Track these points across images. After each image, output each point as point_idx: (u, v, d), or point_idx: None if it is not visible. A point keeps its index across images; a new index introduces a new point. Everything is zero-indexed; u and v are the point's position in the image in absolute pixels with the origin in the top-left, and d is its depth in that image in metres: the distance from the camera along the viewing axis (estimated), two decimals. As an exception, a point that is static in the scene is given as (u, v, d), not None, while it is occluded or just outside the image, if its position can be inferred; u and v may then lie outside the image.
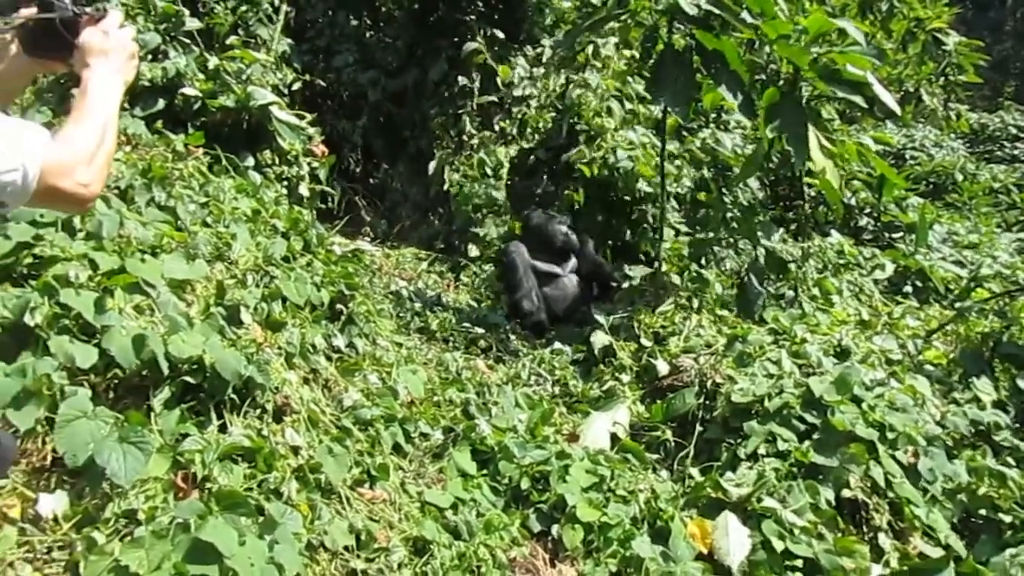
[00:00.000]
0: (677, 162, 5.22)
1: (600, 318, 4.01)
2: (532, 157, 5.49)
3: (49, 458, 1.98)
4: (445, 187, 5.59)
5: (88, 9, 1.53)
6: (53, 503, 1.89)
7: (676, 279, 4.28)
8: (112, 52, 1.52)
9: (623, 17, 3.93)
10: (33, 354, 2.04)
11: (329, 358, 2.93)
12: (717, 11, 3.53)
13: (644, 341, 3.82)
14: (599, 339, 3.88)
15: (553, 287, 4.62)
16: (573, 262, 4.75)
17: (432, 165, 5.74)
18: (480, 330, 4.10)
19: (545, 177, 5.48)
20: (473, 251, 5.23)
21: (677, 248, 4.56)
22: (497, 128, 5.93)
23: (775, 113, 3.66)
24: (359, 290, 3.29)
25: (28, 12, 1.50)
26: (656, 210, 4.80)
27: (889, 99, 3.65)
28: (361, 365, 3.01)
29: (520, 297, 4.47)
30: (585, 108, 5.31)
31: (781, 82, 3.74)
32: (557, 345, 4.09)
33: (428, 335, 3.97)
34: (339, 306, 3.14)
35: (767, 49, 3.78)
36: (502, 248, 4.96)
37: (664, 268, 4.33)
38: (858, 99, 3.52)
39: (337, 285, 3.15)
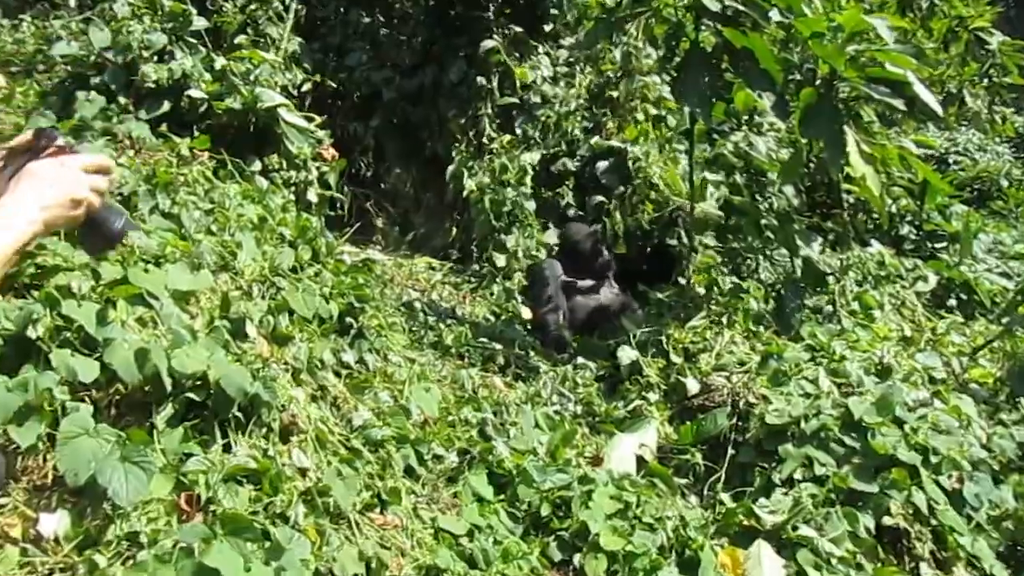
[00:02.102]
0: (704, 173, 5.21)
1: (628, 324, 4.03)
2: (557, 164, 5.53)
3: (50, 476, 2.00)
4: (464, 193, 5.60)
5: (61, 140, 1.43)
6: (54, 523, 1.91)
7: (706, 292, 4.27)
8: (50, 185, 1.35)
9: (646, 14, 3.93)
10: (35, 368, 2.06)
11: (338, 374, 2.93)
12: (742, 7, 3.53)
13: (673, 357, 3.81)
14: (625, 355, 3.88)
15: (588, 296, 4.74)
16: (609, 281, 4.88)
17: (450, 169, 5.75)
18: (498, 345, 4.09)
19: (571, 188, 5.52)
20: (500, 260, 5.25)
21: (708, 260, 4.55)
22: (519, 132, 5.92)
23: (811, 115, 3.65)
24: (370, 302, 3.30)
25: (23, 139, 1.43)
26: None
27: (931, 99, 3.63)
28: (372, 382, 3.01)
29: (546, 312, 4.58)
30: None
31: (817, 82, 3.73)
32: (580, 360, 4.09)
33: (442, 350, 3.97)
34: (349, 319, 3.14)
35: (800, 47, 3.78)
36: (534, 264, 5.11)
37: (693, 280, 4.32)
38: (898, 101, 3.51)
39: (347, 297, 3.16)
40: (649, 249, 5.17)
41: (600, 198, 5.37)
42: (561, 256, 4.96)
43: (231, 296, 2.70)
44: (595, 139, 5.57)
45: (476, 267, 5.44)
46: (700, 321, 4.04)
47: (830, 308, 4.41)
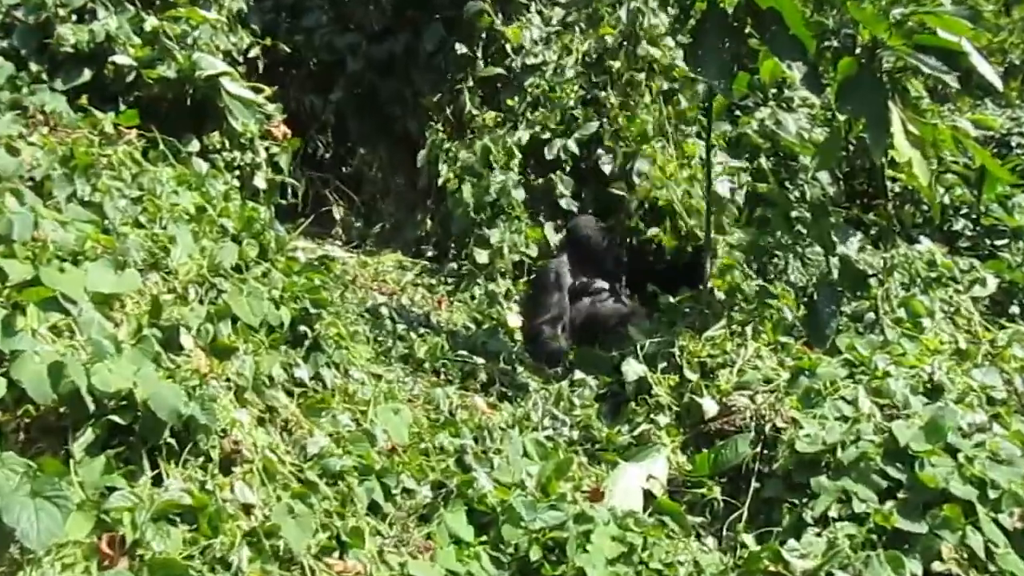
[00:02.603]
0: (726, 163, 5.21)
1: (635, 334, 4.05)
2: (549, 146, 5.55)
3: (-54, 515, 1.98)
4: (440, 179, 5.60)
5: None
6: (-49, 571, 1.90)
7: (726, 297, 4.28)
8: None
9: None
10: (-73, 385, 2.06)
11: (290, 393, 2.94)
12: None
13: (688, 373, 3.83)
14: (631, 370, 3.88)
15: (593, 301, 4.79)
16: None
17: (423, 153, 5.74)
18: (480, 359, 4.11)
19: (566, 173, 5.53)
20: (482, 257, 5.26)
21: (729, 262, 4.55)
22: (504, 107, 5.91)
23: (849, 89, 3.67)
24: (328, 307, 3.30)
25: None
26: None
27: (990, 72, 3.66)
28: (330, 402, 3.02)
29: (543, 322, 4.62)
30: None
31: (857, 50, 3.74)
32: (578, 376, 4.09)
33: (414, 365, 3.98)
34: (303, 328, 3.15)
35: (837, 10, 3.80)
36: (541, 265, 5.16)
37: (712, 284, 4.32)
38: (951, 74, 3.53)
39: (300, 301, 3.16)
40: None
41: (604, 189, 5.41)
42: (567, 253, 5.02)
43: (163, 300, 2.70)
44: (594, 125, 5.57)
45: (454, 266, 5.44)
46: (719, 331, 4.06)
47: (872, 316, 4.41)
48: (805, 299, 4.37)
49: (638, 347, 4.00)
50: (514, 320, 4.79)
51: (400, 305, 4.82)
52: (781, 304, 4.21)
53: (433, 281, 5.40)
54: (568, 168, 5.63)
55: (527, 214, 5.49)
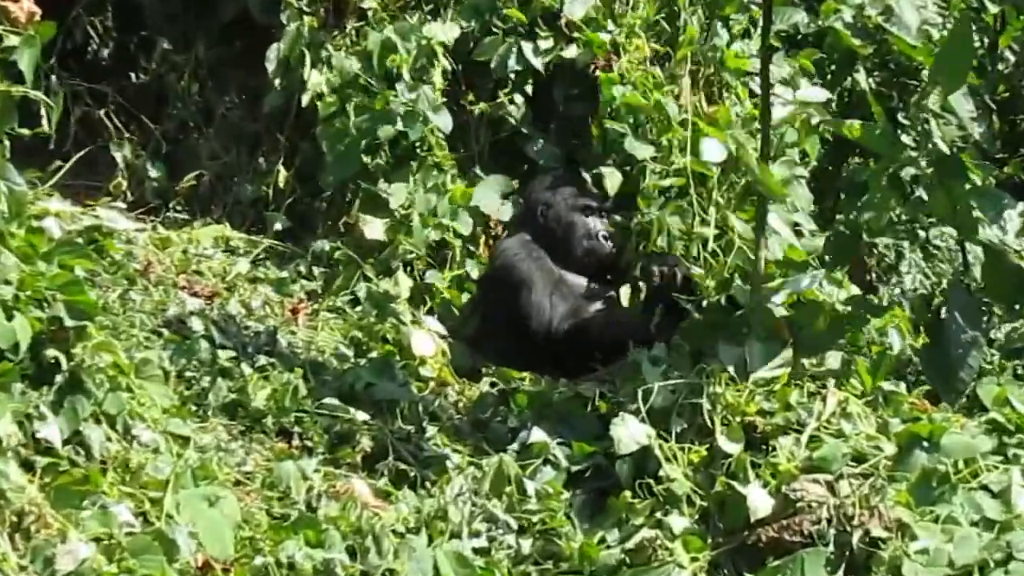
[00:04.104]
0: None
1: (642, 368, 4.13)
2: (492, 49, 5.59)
3: None
4: (304, 98, 5.61)
5: None
6: None
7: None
8: None
9: None
10: None
11: (28, 465, 2.93)
12: None
13: (723, 442, 3.82)
14: (626, 433, 3.88)
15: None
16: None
17: (277, 48, 5.74)
18: (361, 413, 4.11)
19: (526, 98, 5.61)
20: (372, 231, 5.26)
21: (796, 254, 4.57)
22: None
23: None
24: (96, 317, 3.28)
25: None
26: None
27: None
28: (98, 482, 3.00)
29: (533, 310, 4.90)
30: None
31: None
32: (534, 437, 4.07)
33: (247, 420, 4.00)
34: (52, 353, 3.14)
35: None
36: (497, 253, 5.33)
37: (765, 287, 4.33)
38: None
39: (51, 306, 3.15)
40: None
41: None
42: (526, 232, 5.19)
43: None
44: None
45: (323, 247, 5.48)
46: (777, 370, 4.06)
47: (1037, 348, 4.47)
48: (927, 318, 4.38)
49: (639, 394, 3.98)
50: (423, 344, 4.78)
51: (226, 315, 4.80)
52: (885, 326, 4.22)
53: (284, 274, 5.41)
54: (530, 93, 5.70)
55: (453, 162, 5.51)
